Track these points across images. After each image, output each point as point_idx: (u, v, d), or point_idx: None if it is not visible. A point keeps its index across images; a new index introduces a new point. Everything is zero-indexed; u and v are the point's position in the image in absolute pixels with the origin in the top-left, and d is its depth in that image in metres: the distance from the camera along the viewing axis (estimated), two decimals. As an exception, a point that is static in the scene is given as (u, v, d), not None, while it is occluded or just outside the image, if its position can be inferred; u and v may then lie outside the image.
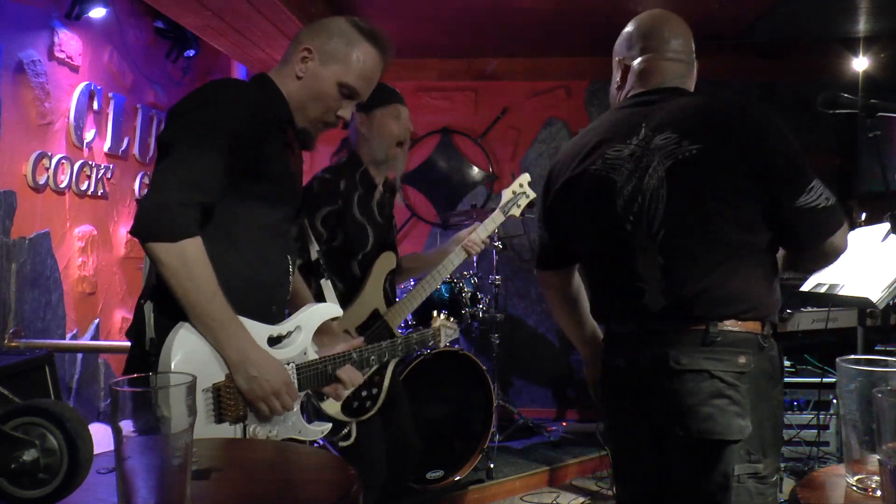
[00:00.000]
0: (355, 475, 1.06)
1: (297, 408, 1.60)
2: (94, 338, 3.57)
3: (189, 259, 1.41)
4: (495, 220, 2.60)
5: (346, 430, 2.32)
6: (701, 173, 1.54)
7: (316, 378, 1.64)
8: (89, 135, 3.49)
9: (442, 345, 2.09)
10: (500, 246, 4.14)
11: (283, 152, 1.66)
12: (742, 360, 1.52)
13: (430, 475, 3.42)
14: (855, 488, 1.03)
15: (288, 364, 1.58)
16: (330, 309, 1.74)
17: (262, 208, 1.60)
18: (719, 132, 1.55)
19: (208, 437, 1.41)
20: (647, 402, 1.61)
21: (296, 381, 1.59)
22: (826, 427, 3.77)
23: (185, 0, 3.28)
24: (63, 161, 3.28)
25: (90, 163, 3.49)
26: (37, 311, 3.15)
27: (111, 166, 3.68)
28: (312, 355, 1.65)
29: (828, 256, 1.62)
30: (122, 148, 3.78)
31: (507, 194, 2.64)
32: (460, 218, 4.45)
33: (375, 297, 2.39)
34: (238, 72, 4.77)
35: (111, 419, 0.85)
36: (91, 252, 3.52)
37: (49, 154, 3.19)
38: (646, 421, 1.63)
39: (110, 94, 3.64)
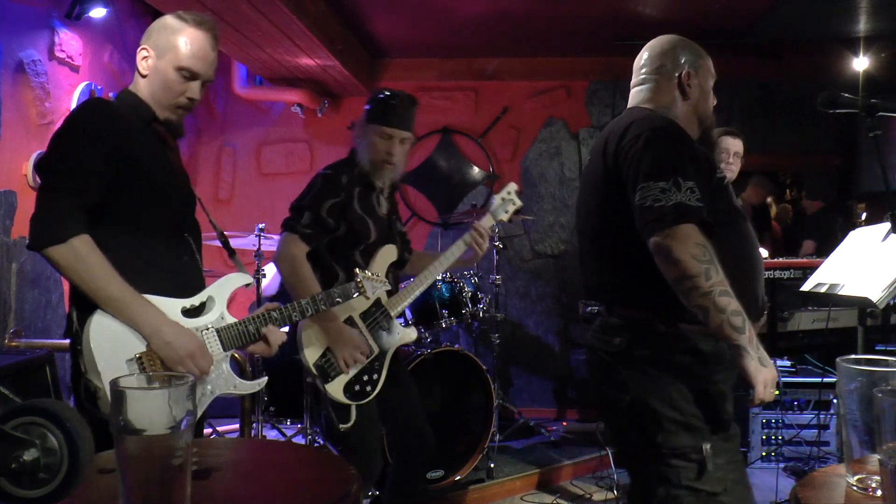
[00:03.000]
0: (355, 475, 1.06)
1: (225, 366, 1.80)
2: (95, 337, 3.57)
3: (80, 252, 1.63)
4: (486, 223, 2.65)
5: (349, 413, 2.42)
6: (588, 177, 1.91)
7: (240, 337, 1.83)
8: (89, 134, 3.49)
9: (369, 295, 2.11)
10: (501, 246, 4.14)
11: (157, 147, 1.86)
12: (616, 341, 1.78)
13: (431, 475, 3.42)
14: (855, 488, 1.03)
15: (208, 328, 1.78)
16: (241, 278, 1.90)
17: (151, 199, 1.79)
18: (598, 141, 1.88)
19: None
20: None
21: (218, 342, 1.80)
22: (826, 427, 3.77)
23: (185, 0, 3.27)
24: (63, 161, 3.28)
25: (90, 162, 3.49)
26: (37, 310, 3.15)
27: (111, 166, 3.68)
28: (230, 319, 1.83)
29: (656, 255, 1.65)
30: (123, 148, 3.78)
31: (496, 199, 2.74)
32: (460, 218, 4.46)
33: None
34: (238, 71, 4.78)
35: (111, 419, 0.86)
36: (91, 252, 3.52)
37: (49, 154, 3.19)
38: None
39: (110, 94, 3.64)
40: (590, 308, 4.22)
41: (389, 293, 2.53)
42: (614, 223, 1.77)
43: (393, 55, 5.18)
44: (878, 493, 0.98)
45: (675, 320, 1.70)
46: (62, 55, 3.28)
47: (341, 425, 2.40)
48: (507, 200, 2.71)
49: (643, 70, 1.94)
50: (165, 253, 1.83)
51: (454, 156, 5.29)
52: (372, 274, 2.15)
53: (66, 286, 3.31)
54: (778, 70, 5.12)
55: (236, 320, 1.84)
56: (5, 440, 0.87)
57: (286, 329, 2.02)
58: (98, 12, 3.38)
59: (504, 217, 2.72)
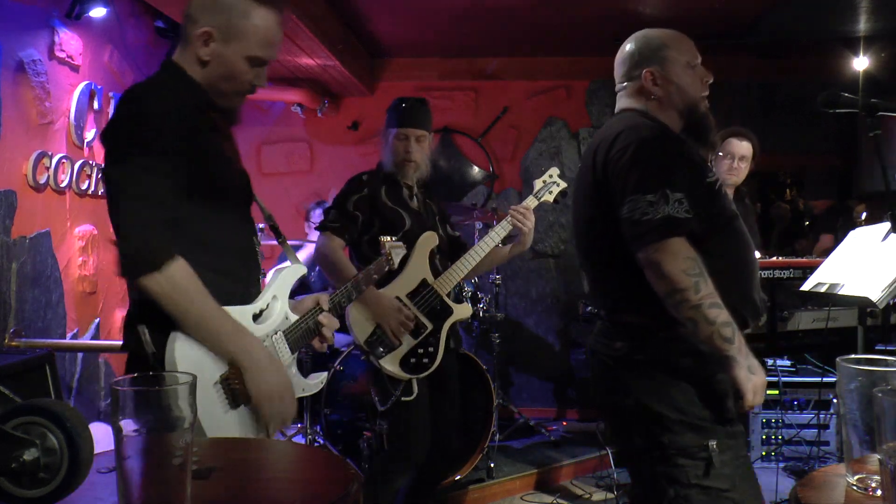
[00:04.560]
0: (355, 474, 1.06)
1: (294, 369, 1.73)
2: (95, 337, 3.57)
3: (178, 282, 1.47)
4: (529, 204, 2.81)
5: (401, 388, 2.56)
6: (580, 185, 1.91)
7: (304, 336, 1.75)
8: (90, 134, 3.49)
9: (396, 263, 2.20)
10: (501, 246, 4.14)
11: (212, 138, 1.66)
12: (617, 345, 1.79)
13: (431, 475, 3.42)
14: (855, 488, 1.03)
15: (276, 333, 1.68)
16: (297, 270, 1.82)
17: (212, 199, 1.62)
18: (587, 151, 1.88)
19: (231, 423, 1.54)
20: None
21: (287, 346, 1.70)
22: (826, 427, 3.76)
23: (185, -1, 3.27)
24: (63, 160, 3.28)
25: (90, 162, 3.49)
26: (37, 310, 3.15)
27: (111, 166, 3.68)
28: (293, 317, 1.75)
29: (646, 269, 1.67)
30: (123, 147, 3.78)
31: (538, 183, 2.89)
32: (461, 217, 4.45)
33: (422, 269, 2.65)
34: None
35: (112, 418, 0.85)
36: (91, 251, 3.52)
37: (49, 153, 3.19)
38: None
39: (111, 94, 3.64)
40: (590, 308, 4.22)
41: (436, 274, 2.68)
42: (607, 232, 1.78)
43: (393, 55, 5.18)
44: (878, 493, 0.98)
45: (674, 324, 1.70)
46: (62, 55, 3.28)
47: (404, 398, 2.56)
48: (549, 183, 2.87)
49: (616, 78, 1.96)
50: (230, 257, 1.67)
51: (454, 156, 5.29)
52: (390, 238, 2.24)
53: (67, 286, 3.33)
54: (778, 70, 5.12)
55: (297, 318, 1.74)
56: (5, 440, 0.87)
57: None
58: (98, 12, 3.38)
59: (549, 198, 2.87)
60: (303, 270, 1.84)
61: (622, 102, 1.93)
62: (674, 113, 1.87)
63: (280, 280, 1.77)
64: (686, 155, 1.78)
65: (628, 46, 1.93)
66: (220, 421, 1.52)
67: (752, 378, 1.63)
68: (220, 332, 1.52)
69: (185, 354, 1.51)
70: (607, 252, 1.82)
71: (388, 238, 2.24)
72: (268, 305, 1.72)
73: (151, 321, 1.52)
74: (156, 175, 1.49)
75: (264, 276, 1.83)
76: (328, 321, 1.80)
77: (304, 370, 1.85)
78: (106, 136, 1.57)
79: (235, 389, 1.55)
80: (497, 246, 2.79)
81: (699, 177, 1.74)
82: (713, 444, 1.68)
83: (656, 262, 1.63)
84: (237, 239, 1.70)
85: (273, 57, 1.69)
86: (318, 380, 1.82)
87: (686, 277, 1.60)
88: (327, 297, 1.86)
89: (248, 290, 1.69)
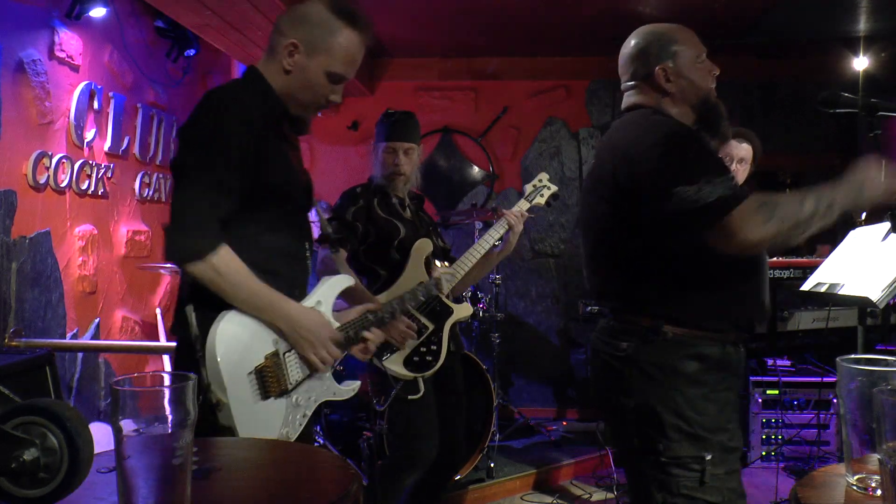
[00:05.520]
0: (355, 474, 1.06)
1: (329, 372, 1.82)
2: (95, 337, 3.57)
3: (221, 268, 1.59)
4: (521, 206, 2.90)
5: (400, 386, 2.59)
6: (594, 184, 1.86)
7: (343, 342, 1.83)
8: (90, 134, 3.49)
9: (445, 291, 2.36)
10: (499, 243, 4.14)
11: (280, 147, 1.76)
12: (623, 345, 1.75)
13: (431, 475, 3.42)
14: (855, 488, 1.03)
15: None
16: (344, 280, 1.91)
17: (271, 204, 1.72)
18: (609, 150, 1.83)
19: (260, 412, 1.64)
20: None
21: None
22: (826, 427, 3.77)
23: (185, -1, 3.28)
24: (63, 160, 3.28)
25: (90, 162, 3.49)
26: (37, 310, 3.15)
27: (111, 166, 3.68)
28: (335, 324, 1.82)
29: (725, 247, 1.61)
30: (123, 147, 3.78)
31: (528, 188, 2.97)
32: (461, 217, 4.45)
33: (419, 273, 2.68)
34: (238, 71, 4.77)
35: (111, 418, 0.85)
36: (91, 251, 3.52)
37: (49, 153, 3.19)
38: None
39: (111, 94, 3.64)
40: (590, 308, 4.22)
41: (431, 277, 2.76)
42: (622, 231, 1.76)
43: (393, 55, 5.18)
44: (878, 492, 0.98)
45: (681, 326, 1.69)
46: (62, 55, 3.28)
47: (410, 396, 2.60)
48: (539, 187, 2.95)
49: (623, 76, 1.92)
50: (281, 261, 1.76)
51: (454, 155, 5.29)
52: (446, 267, 2.35)
53: (67, 286, 3.33)
54: (778, 70, 5.12)
55: (338, 325, 1.83)
56: (5, 440, 0.87)
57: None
58: (98, 12, 3.38)
59: (541, 201, 2.96)
60: (350, 281, 1.92)
61: (633, 99, 1.90)
62: (686, 108, 1.85)
63: (326, 287, 1.86)
64: (708, 147, 1.75)
65: (634, 42, 1.90)
66: (250, 409, 1.61)
67: (865, 186, 1.61)
68: (262, 306, 1.64)
69: (224, 340, 1.60)
70: (619, 251, 1.79)
71: (443, 264, 2.31)
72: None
73: (200, 302, 1.63)
74: (219, 175, 1.60)
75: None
76: (373, 336, 1.91)
77: (339, 377, 1.92)
78: (183, 131, 1.69)
79: (268, 382, 1.64)
80: (494, 246, 2.85)
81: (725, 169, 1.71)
82: (709, 456, 1.66)
83: (732, 233, 1.56)
84: (288, 242, 1.79)
85: (351, 76, 1.80)
86: (351, 387, 1.88)
87: (770, 227, 1.56)
88: (374, 308, 1.97)
89: (292, 291, 1.75)
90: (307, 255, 1.88)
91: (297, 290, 1.79)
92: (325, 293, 1.85)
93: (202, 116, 1.67)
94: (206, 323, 1.61)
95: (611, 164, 1.78)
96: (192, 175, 1.61)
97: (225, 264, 1.59)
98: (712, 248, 1.63)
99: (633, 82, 1.89)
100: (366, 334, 1.89)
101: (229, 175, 1.61)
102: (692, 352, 1.70)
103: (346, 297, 2.84)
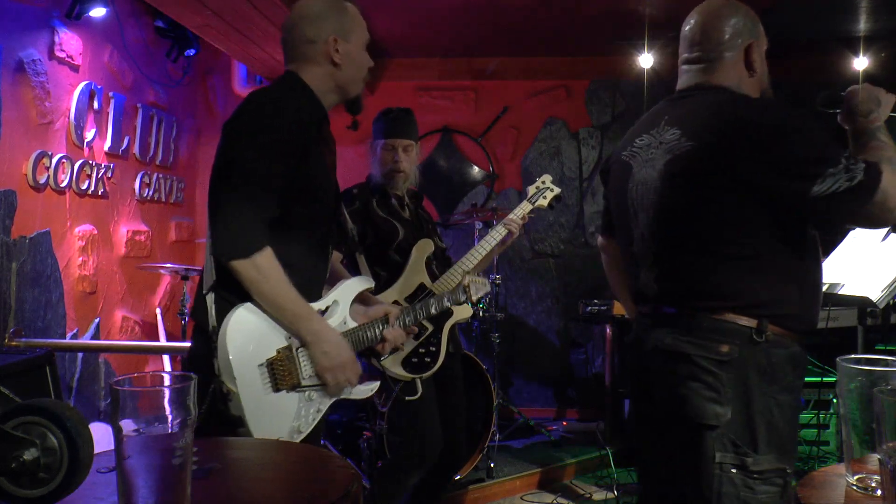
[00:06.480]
0: (355, 474, 1.06)
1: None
2: (95, 337, 3.57)
3: (263, 270, 1.64)
4: (523, 207, 2.91)
5: (399, 387, 2.59)
6: (693, 170, 1.60)
7: (359, 342, 1.88)
8: (90, 134, 3.49)
9: (474, 298, 2.35)
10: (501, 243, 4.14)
11: (319, 151, 1.81)
12: (724, 348, 1.55)
13: (431, 475, 3.42)
14: (855, 488, 1.03)
15: None
16: (363, 282, 1.95)
17: (303, 205, 1.76)
18: (715, 132, 1.59)
19: (270, 405, 1.66)
20: (644, 382, 1.71)
21: None
22: (826, 427, 3.77)
23: (185, -1, 3.28)
24: (63, 160, 3.28)
25: (90, 162, 3.49)
26: (37, 310, 3.15)
27: (111, 166, 3.68)
28: (352, 323, 1.87)
29: (882, 218, 1.54)
30: (123, 147, 3.78)
31: (531, 189, 2.98)
32: (461, 217, 4.45)
33: (419, 274, 2.70)
34: (238, 71, 4.77)
35: (111, 418, 0.85)
36: (91, 251, 3.52)
37: (49, 153, 3.19)
38: (646, 399, 1.72)
39: (111, 94, 3.64)
40: (590, 308, 4.22)
41: (433, 279, 2.73)
42: (723, 223, 1.58)
43: (393, 55, 5.18)
44: (878, 492, 0.98)
45: (780, 325, 1.58)
46: (62, 55, 3.28)
47: (408, 397, 2.59)
48: (542, 189, 2.96)
49: (699, 45, 1.71)
50: (307, 259, 1.80)
51: (454, 155, 5.29)
52: (476, 276, 2.35)
53: (67, 286, 3.33)
54: (778, 70, 5.10)
55: (356, 325, 1.88)
56: (5, 440, 0.87)
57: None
58: (98, 12, 3.38)
59: (543, 203, 2.96)
60: (370, 283, 1.96)
61: (704, 76, 1.70)
62: (759, 94, 1.74)
63: (345, 287, 1.90)
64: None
65: (725, 12, 1.70)
66: (261, 400, 1.64)
67: None
68: (294, 313, 1.68)
69: (237, 330, 1.64)
70: (720, 246, 1.59)
71: (474, 277, 2.36)
72: (327, 308, 1.84)
73: (221, 294, 1.68)
74: (270, 176, 1.66)
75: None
76: (392, 336, 1.95)
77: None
78: (227, 129, 1.73)
79: (279, 375, 1.67)
80: (493, 247, 2.86)
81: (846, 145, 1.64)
82: (790, 469, 1.55)
83: (887, 205, 1.48)
84: (313, 241, 1.83)
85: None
86: (369, 388, 1.89)
87: None
88: (397, 311, 2.00)
89: (311, 288, 1.80)
90: (329, 255, 1.92)
91: (315, 287, 1.83)
92: (343, 293, 1.88)
93: (255, 115, 1.72)
94: (224, 313, 1.66)
95: (702, 149, 1.59)
96: (246, 172, 1.66)
97: (267, 266, 1.64)
98: (811, 242, 1.58)
99: (713, 53, 1.69)
100: (385, 334, 1.93)
101: (278, 176, 1.67)
102: (786, 353, 1.58)
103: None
